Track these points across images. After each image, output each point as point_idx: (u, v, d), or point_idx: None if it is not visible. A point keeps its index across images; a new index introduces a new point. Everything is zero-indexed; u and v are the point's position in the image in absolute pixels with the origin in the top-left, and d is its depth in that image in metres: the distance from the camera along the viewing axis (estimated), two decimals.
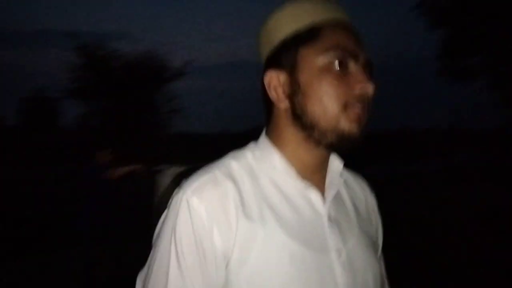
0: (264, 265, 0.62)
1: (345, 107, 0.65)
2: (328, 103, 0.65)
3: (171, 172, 3.06)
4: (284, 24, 0.69)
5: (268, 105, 0.71)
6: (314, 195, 0.68)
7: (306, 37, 0.67)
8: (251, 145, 0.73)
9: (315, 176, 0.71)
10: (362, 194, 0.81)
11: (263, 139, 0.73)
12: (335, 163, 0.74)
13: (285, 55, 0.68)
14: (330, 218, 0.69)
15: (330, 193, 0.71)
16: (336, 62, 0.65)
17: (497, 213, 6.38)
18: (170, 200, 0.66)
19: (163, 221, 0.65)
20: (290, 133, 0.69)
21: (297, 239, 0.65)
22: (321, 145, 0.67)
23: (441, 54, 6.53)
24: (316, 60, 0.65)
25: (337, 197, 0.74)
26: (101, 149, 3.16)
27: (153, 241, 0.66)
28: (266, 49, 0.71)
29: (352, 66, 0.66)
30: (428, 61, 6.98)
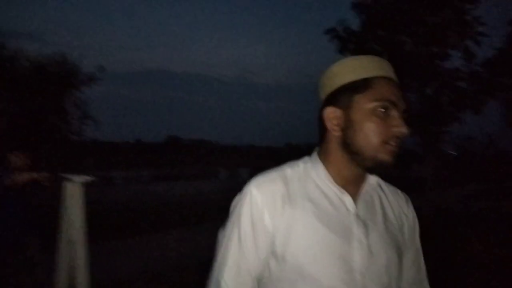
0: (300, 242, 0.88)
1: (384, 142, 0.88)
2: (372, 138, 0.90)
3: (79, 180, 2.89)
4: (345, 74, 0.93)
5: (323, 131, 0.96)
6: (347, 198, 0.94)
7: (361, 86, 0.91)
8: (305, 159, 1.00)
9: (351, 187, 0.96)
10: (395, 201, 1.05)
11: (315, 155, 0.99)
12: (372, 179, 0.99)
13: (343, 97, 0.92)
14: (358, 216, 0.94)
15: (361, 198, 0.97)
16: (381, 110, 0.88)
17: None
18: (238, 195, 0.94)
19: (232, 212, 0.94)
20: (338, 154, 0.94)
21: (327, 226, 0.91)
22: (360, 167, 0.92)
23: None
24: (367, 105, 0.89)
25: (369, 204, 0.99)
26: (14, 152, 2.90)
27: (229, 218, 0.94)
28: (326, 90, 0.95)
29: (393, 113, 0.89)
30: None
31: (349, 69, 0.95)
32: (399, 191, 1.09)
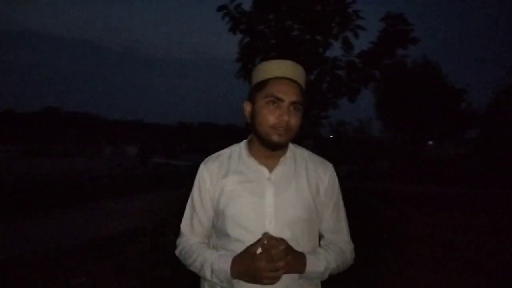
0: (229, 201, 1.33)
1: (273, 127, 1.32)
2: (264, 123, 1.32)
3: None
4: (255, 76, 1.36)
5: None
6: (263, 168, 1.37)
7: (260, 86, 1.33)
8: (243, 141, 1.47)
9: (268, 160, 1.39)
10: (314, 171, 1.46)
11: (250, 137, 1.42)
12: (290, 153, 1.44)
13: (252, 94, 1.35)
14: (270, 181, 1.36)
15: (277, 168, 1.39)
16: (271, 103, 1.31)
17: None
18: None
19: (194, 179, 1.40)
20: (254, 136, 1.37)
21: (247, 189, 1.35)
22: (264, 145, 1.36)
23: (240, 57, 6.96)
24: (262, 100, 1.32)
25: (283, 172, 1.41)
26: None
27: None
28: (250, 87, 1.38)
29: (280, 105, 1.31)
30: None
31: (258, 72, 1.38)
32: (321, 161, 1.50)
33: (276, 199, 1.35)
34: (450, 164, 23.27)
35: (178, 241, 1.51)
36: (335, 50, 6.89)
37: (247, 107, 1.43)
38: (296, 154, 1.46)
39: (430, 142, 30.91)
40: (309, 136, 7.14)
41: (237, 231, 1.34)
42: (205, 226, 1.44)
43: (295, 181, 1.40)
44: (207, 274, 1.33)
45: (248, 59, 6.81)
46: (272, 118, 1.33)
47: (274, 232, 1.30)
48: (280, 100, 1.33)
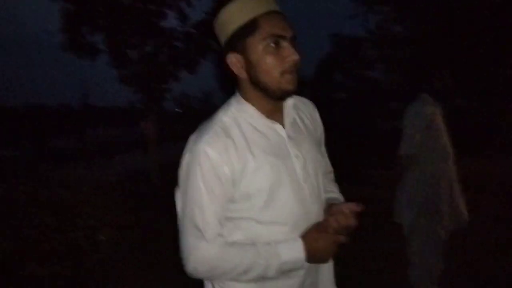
0: (256, 174, 1.06)
1: (282, 73, 1.04)
2: (272, 72, 1.04)
3: None
4: (233, 19, 1.04)
5: (233, 75, 1.10)
6: (277, 126, 1.11)
7: (250, 29, 1.02)
8: (231, 102, 1.14)
9: (276, 115, 1.13)
10: (306, 111, 1.26)
11: (238, 97, 1.13)
12: (289, 101, 1.15)
13: (237, 43, 1.05)
14: (289, 137, 1.13)
15: (287, 122, 1.14)
16: (272, 45, 1.02)
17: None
18: (187, 153, 1.08)
19: (187, 170, 1.07)
20: (253, 93, 1.10)
21: (271, 155, 1.08)
22: (272, 99, 1.09)
23: (64, 28, 6.24)
24: (259, 46, 1.03)
25: (293, 123, 1.17)
26: None
27: (181, 186, 1.10)
28: (222, 38, 1.08)
29: (283, 44, 1.03)
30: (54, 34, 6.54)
31: (235, 13, 1.04)
32: (305, 100, 1.29)
33: (300, 157, 1.14)
34: None
35: (188, 258, 1.10)
36: (171, 21, 6.74)
37: (236, 60, 1.06)
38: (288, 103, 1.18)
39: None
40: (152, 110, 6.92)
41: (272, 211, 1.07)
42: (221, 221, 1.09)
43: (304, 129, 1.21)
44: (270, 271, 1.06)
45: (75, 29, 6.16)
46: (280, 62, 1.03)
47: (308, 190, 1.13)
48: (282, 37, 1.02)
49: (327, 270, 1.22)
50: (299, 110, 1.24)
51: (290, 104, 1.16)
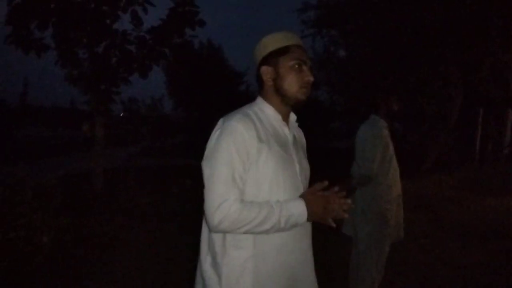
0: (268, 161, 1.36)
1: (300, 87, 1.45)
2: (293, 84, 1.45)
3: None
4: (272, 43, 1.47)
5: (261, 82, 1.50)
6: (286, 129, 1.50)
7: (283, 51, 1.45)
8: (255, 102, 1.51)
9: (285, 119, 1.51)
10: (302, 136, 1.64)
11: (260, 100, 1.51)
12: (293, 116, 1.55)
13: (271, 59, 1.47)
14: (292, 142, 1.50)
15: (291, 128, 1.52)
16: (296, 66, 1.45)
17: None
18: (217, 130, 1.38)
19: (219, 137, 1.35)
20: (274, 97, 1.48)
21: (282, 149, 1.42)
22: (287, 105, 1.48)
23: (10, 20, 6.01)
24: (287, 63, 1.45)
25: (294, 132, 1.55)
26: None
27: (209, 154, 1.37)
28: (260, 55, 1.49)
29: (304, 67, 1.46)
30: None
31: (274, 40, 1.46)
32: (298, 127, 1.62)
33: (297, 157, 1.50)
34: None
35: (215, 211, 1.30)
36: (125, 24, 6.68)
37: (268, 71, 1.47)
38: (292, 116, 1.58)
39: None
40: (99, 113, 6.77)
41: (273, 191, 1.38)
42: (244, 184, 1.35)
43: (299, 139, 1.60)
44: (282, 221, 1.33)
45: (21, 23, 5.92)
46: (300, 79, 1.45)
47: (302, 183, 1.49)
48: (304, 63, 1.46)
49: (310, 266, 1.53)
50: (295, 126, 1.60)
51: (293, 118, 1.56)
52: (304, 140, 1.66)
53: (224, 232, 1.35)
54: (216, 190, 1.31)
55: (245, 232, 1.33)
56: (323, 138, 22.14)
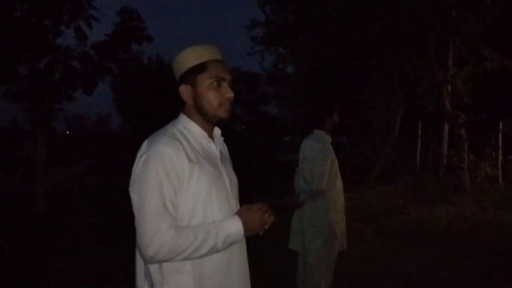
0: (200, 180, 1.33)
1: (220, 105, 1.41)
2: (212, 103, 1.40)
3: None
4: (188, 60, 1.41)
5: (182, 101, 1.45)
6: (212, 145, 1.47)
7: (200, 69, 1.40)
8: (179, 120, 1.46)
9: (210, 137, 1.47)
10: (226, 148, 1.62)
11: (183, 117, 1.46)
12: (217, 130, 1.51)
13: (189, 78, 1.41)
14: (220, 157, 1.48)
15: (216, 143, 1.49)
16: (215, 83, 1.40)
17: None
18: (144, 155, 1.31)
19: (146, 163, 1.29)
20: (195, 116, 1.44)
21: (211, 165, 1.40)
22: (210, 123, 1.45)
23: None
24: (205, 82, 1.39)
25: (220, 146, 1.51)
26: None
27: (137, 182, 1.30)
28: (178, 73, 1.44)
29: (223, 84, 1.41)
30: None
31: (191, 56, 1.40)
32: (221, 138, 1.56)
33: (226, 171, 1.49)
34: None
35: (150, 243, 1.23)
36: (68, 39, 6.47)
37: (186, 90, 1.41)
38: (216, 131, 1.54)
39: None
40: (41, 131, 6.45)
41: (207, 209, 1.35)
42: (176, 210, 1.30)
43: (225, 152, 1.59)
44: (219, 243, 1.30)
45: None
46: (219, 96, 1.40)
47: (233, 197, 1.47)
48: (223, 79, 1.40)
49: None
50: (221, 140, 1.56)
51: (218, 133, 1.52)
52: (227, 153, 1.63)
53: (161, 262, 1.30)
54: (149, 220, 1.25)
55: (182, 259, 1.29)
56: (275, 151, 22.48)
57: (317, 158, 2.92)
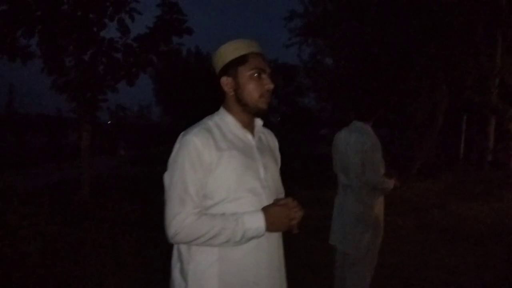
0: (228, 168, 1.39)
1: (260, 96, 1.46)
2: (253, 94, 1.45)
3: None
4: (229, 53, 1.45)
5: (222, 93, 1.50)
6: (249, 135, 1.50)
7: (241, 61, 1.44)
8: (218, 112, 1.52)
9: (248, 127, 1.51)
10: (269, 136, 1.65)
11: (222, 110, 1.52)
12: (259, 121, 1.55)
13: (231, 69, 1.46)
14: (257, 147, 1.51)
15: (256, 134, 1.53)
16: (256, 75, 1.45)
17: None
18: (177, 144, 1.42)
19: (177, 152, 1.40)
20: (235, 107, 1.49)
21: (242, 154, 1.43)
22: (250, 114, 1.49)
23: None
24: (246, 73, 1.45)
25: (260, 138, 1.56)
26: None
27: (169, 167, 1.41)
28: (219, 65, 1.48)
29: (263, 75, 1.46)
30: None
31: (232, 49, 1.45)
32: (269, 130, 1.66)
33: (262, 160, 1.49)
34: None
35: (171, 223, 1.34)
36: (112, 32, 6.67)
37: (227, 81, 1.47)
38: (258, 123, 1.58)
39: None
40: (85, 121, 6.73)
41: (238, 193, 1.39)
42: (199, 196, 1.38)
43: (267, 146, 1.60)
44: (238, 235, 1.33)
45: (6, 30, 5.88)
46: (260, 87, 1.45)
47: (267, 187, 1.47)
48: (263, 71, 1.46)
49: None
50: (264, 132, 1.63)
51: (259, 123, 1.56)
52: (274, 143, 1.67)
53: (182, 243, 1.39)
54: (172, 204, 1.36)
55: (202, 244, 1.35)
56: (311, 143, 22.29)
57: (367, 155, 2.82)
